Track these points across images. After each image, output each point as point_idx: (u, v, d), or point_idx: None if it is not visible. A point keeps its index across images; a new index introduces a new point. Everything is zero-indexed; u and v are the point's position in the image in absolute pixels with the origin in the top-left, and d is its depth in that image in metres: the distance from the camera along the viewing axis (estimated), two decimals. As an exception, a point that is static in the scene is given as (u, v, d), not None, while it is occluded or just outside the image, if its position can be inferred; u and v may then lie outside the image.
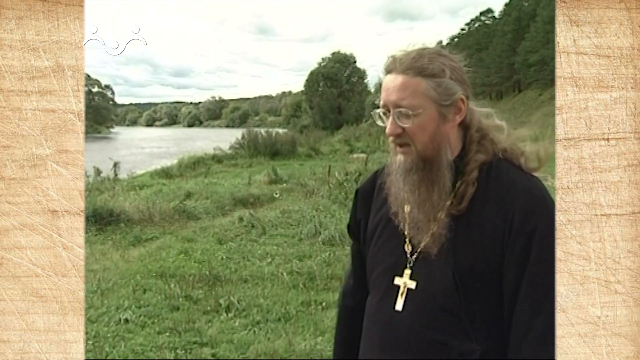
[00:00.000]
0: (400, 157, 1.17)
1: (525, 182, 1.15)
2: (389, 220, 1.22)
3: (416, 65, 1.13)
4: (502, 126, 1.22)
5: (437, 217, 1.15)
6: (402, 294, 1.16)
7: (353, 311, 1.32)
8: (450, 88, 1.14)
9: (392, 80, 1.14)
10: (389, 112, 1.15)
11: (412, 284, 1.15)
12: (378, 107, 1.18)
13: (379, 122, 1.18)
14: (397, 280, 1.17)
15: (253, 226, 7.34)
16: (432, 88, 1.13)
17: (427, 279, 1.14)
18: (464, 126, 1.19)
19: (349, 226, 1.38)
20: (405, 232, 1.19)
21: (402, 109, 1.12)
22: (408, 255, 1.18)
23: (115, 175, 10.80)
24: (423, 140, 1.14)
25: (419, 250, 1.17)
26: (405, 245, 1.19)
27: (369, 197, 1.30)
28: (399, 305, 1.16)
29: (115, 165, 10.86)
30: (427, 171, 1.15)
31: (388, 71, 1.16)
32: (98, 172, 10.39)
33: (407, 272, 1.17)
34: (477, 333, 1.11)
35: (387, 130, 1.15)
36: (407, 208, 1.19)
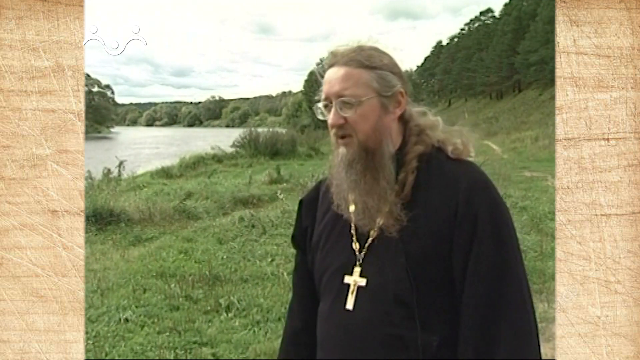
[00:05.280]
0: (342, 150, 1.18)
1: (466, 167, 1.17)
2: (335, 224, 1.23)
3: (358, 57, 1.16)
4: (437, 122, 1.25)
5: (382, 209, 1.15)
6: (352, 293, 1.15)
7: (297, 332, 1.31)
8: (390, 80, 1.17)
9: (335, 73, 1.17)
10: (331, 104, 1.17)
11: (362, 281, 1.15)
12: (319, 102, 1.20)
13: (320, 117, 1.20)
14: (347, 279, 1.17)
15: (253, 226, 7.34)
16: (373, 79, 1.16)
17: (378, 273, 1.14)
18: (404, 120, 1.22)
19: (293, 236, 1.37)
20: (352, 231, 1.19)
21: (344, 99, 1.15)
22: (357, 253, 1.18)
23: (119, 174, 10.80)
24: (365, 129, 1.16)
25: (366, 246, 1.17)
26: (353, 244, 1.19)
27: (313, 205, 1.31)
28: (349, 305, 1.14)
29: (121, 164, 10.86)
30: (370, 160, 1.16)
31: (330, 65, 1.19)
32: (108, 172, 10.39)
33: (357, 269, 1.16)
34: (432, 323, 1.10)
35: (330, 121, 1.16)
36: (352, 208, 1.20)
